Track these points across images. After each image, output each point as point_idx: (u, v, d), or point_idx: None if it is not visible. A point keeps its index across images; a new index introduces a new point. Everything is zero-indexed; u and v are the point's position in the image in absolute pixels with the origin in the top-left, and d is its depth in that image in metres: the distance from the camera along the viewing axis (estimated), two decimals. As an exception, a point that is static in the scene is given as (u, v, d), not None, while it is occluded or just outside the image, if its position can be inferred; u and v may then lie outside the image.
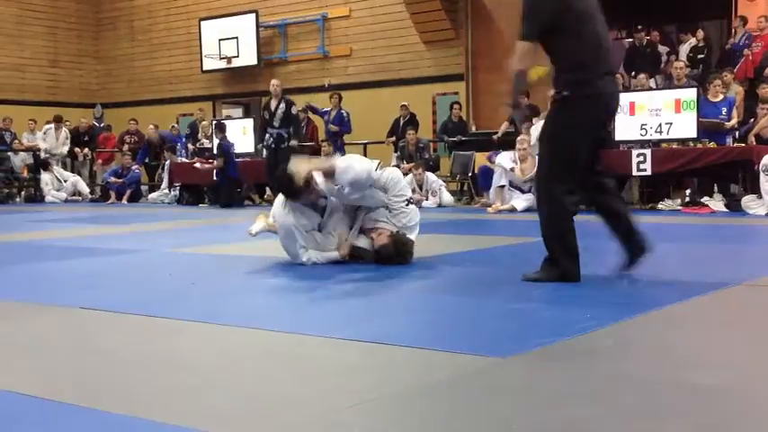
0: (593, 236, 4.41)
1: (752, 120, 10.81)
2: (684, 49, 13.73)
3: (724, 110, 10.63)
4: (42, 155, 16.31)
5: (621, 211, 4.33)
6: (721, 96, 10.74)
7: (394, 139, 14.37)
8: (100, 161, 17.48)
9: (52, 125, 16.65)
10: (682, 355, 2.65)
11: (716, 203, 9.70)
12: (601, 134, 4.35)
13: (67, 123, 17.38)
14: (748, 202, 9.15)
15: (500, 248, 5.61)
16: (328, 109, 14.20)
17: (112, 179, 15.72)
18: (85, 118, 17.97)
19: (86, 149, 17.21)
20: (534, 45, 4.26)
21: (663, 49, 14.52)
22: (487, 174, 11.55)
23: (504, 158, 10.70)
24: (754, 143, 9.86)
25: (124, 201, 15.26)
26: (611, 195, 4.37)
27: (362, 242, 5.15)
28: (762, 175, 8.84)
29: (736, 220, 8.35)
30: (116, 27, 20.34)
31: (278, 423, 2.05)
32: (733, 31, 13.47)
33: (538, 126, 11.36)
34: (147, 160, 16.07)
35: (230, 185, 13.03)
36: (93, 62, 20.70)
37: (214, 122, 14.02)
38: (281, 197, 5.29)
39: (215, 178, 13.58)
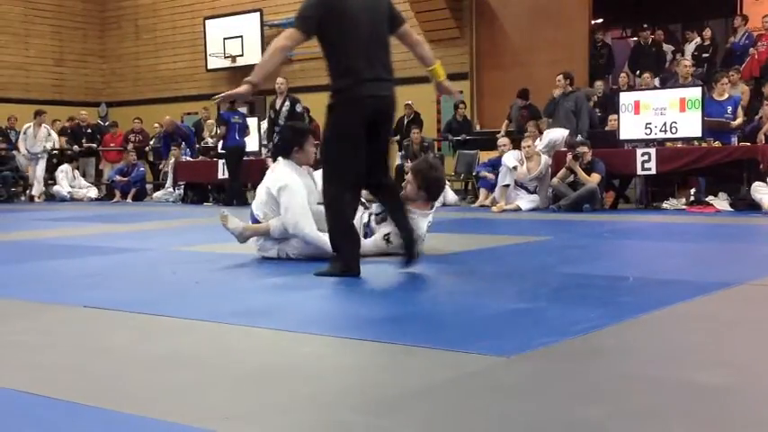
0: (595, 236, 4.42)
1: (757, 118, 10.79)
2: (690, 48, 13.71)
3: (729, 108, 10.61)
4: (22, 157, 15.92)
5: (401, 223, 4.63)
6: (727, 95, 10.72)
7: (398, 138, 14.38)
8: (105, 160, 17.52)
9: (32, 123, 15.86)
10: (687, 354, 2.65)
11: (720, 203, 9.69)
12: (377, 138, 4.53)
13: (57, 122, 17.27)
14: (757, 187, 9.14)
15: (504, 248, 5.61)
16: None
17: (118, 178, 15.75)
18: (85, 112, 17.87)
19: (82, 146, 16.96)
20: (302, 37, 4.58)
21: (668, 47, 14.51)
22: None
23: (509, 157, 10.70)
24: (763, 142, 9.83)
25: (129, 199, 15.29)
26: (394, 204, 4.71)
27: (386, 228, 5.13)
28: None
29: (741, 220, 8.33)
30: (121, 26, 20.38)
31: (283, 422, 2.05)
32: (735, 29, 13.46)
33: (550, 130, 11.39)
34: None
35: (236, 184, 13.03)
36: (98, 61, 20.74)
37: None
38: (281, 163, 5.33)
39: (220, 177, 13.59)
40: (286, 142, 5.55)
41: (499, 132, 12.82)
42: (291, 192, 5.12)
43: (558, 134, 11.12)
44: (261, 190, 5.38)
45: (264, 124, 13.25)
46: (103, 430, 2.02)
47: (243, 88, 4.54)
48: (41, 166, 15.96)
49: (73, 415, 2.12)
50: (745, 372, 2.43)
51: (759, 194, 8.99)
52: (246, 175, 13.10)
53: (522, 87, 13.29)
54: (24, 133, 15.89)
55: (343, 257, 4.46)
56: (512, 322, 3.20)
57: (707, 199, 9.84)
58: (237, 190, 13.02)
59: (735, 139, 10.60)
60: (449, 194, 12.08)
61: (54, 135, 16.47)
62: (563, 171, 10.20)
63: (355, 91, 4.41)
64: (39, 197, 15.72)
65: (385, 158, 4.75)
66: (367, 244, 5.14)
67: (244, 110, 14.57)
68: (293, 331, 3.06)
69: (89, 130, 17.41)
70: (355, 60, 4.43)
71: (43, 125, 15.95)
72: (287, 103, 12.59)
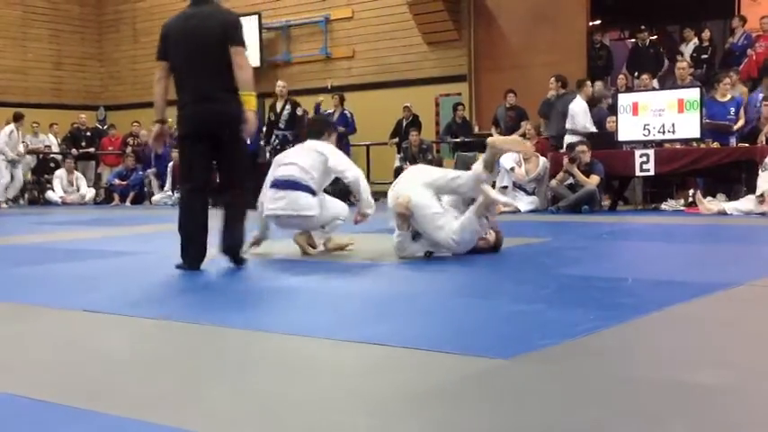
0: (594, 237, 4.42)
1: (757, 118, 10.79)
2: (688, 49, 13.71)
3: (732, 110, 10.60)
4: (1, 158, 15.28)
5: (229, 230, 5.12)
6: (729, 96, 10.71)
7: (397, 140, 14.38)
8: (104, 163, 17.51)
9: (12, 125, 15.18)
10: (686, 355, 2.65)
11: (719, 204, 9.69)
12: (219, 149, 5.12)
13: (55, 126, 17.13)
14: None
15: (503, 249, 5.61)
16: (331, 110, 14.19)
17: (116, 181, 15.74)
18: (84, 116, 17.81)
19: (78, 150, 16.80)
20: (161, 65, 5.28)
21: (666, 49, 14.49)
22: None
23: (506, 159, 10.72)
24: (764, 143, 9.82)
25: (128, 203, 15.28)
26: (229, 211, 5.19)
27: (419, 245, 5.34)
28: (762, 173, 8.80)
29: (739, 221, 8.33)
30: (119, 29, 20.37)
31: (283, 425, 2.05)
32: (732, 30, 13.46)
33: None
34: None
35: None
36: (96, 64, 20.73)
37: None
38: (316, 141, 5.92)
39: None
40: (322, 125, 6.33)
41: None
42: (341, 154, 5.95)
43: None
44: (305, 160, 5.73)
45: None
46: (102, 434, 2.02)
47: (155, 129, 5.40)
48: (19, 171, 15.57)
49: (70, 418, 2.11)
50: (745, 373, 2.43)
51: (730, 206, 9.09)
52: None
53: (508, 89, 13.29)
54: (9, 137, 15.18)
55: (181, 250, 5.07)
56: (511, 324, 3.20)
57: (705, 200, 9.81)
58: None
59: (733, 141, 10.61)
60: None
61: (49, 138, 16.41)
62: (561, 173, 10.20)
63: (181, 110, 5.18)
64: (5, 203, 15.08)
65: (229, 168, 5.20)
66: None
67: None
68: (292, 334, 3.06)
69: (88, 134, 17.40)
70: (180, 82, 5.20)
71: (12, 129, 15.22)
72: (287, 106, 12.59)
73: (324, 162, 5.73)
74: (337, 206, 5.84)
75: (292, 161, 5.79)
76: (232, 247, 5.09)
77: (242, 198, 5.21)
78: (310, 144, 5.91)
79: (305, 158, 5.77)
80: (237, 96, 4.99)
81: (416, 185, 5.27)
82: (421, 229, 5.25)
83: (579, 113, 11.27)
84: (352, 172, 5.74)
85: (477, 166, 5.31)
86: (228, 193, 5.19)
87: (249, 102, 5.01)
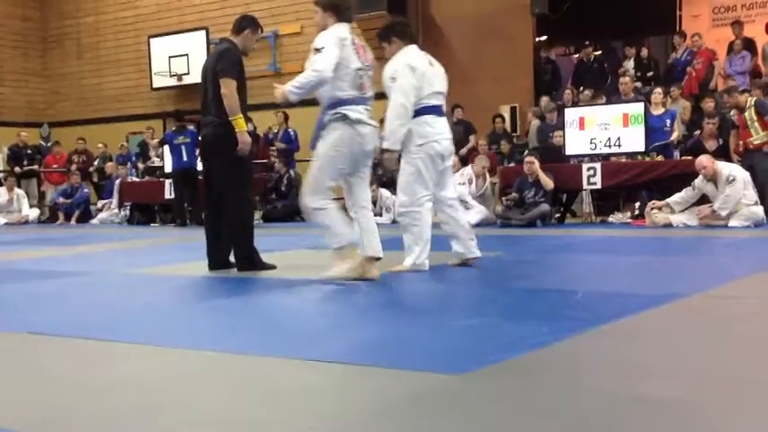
0: (544, 251, 4.46)
1: (697, 133, 11.04)
2: (630, 64, 14.00)
3: (668, 122, 10.86)
4: None
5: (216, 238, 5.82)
6: (662, 109, 10.96)
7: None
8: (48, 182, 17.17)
9: None
10: (638, 368, 2.67)
11: (666, 217, 9.86)
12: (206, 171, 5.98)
13: None
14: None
15: (453, 264, 5.63)
16: (276, 130, 14.53)
17: (61, 200, 15.44)
18: (26, 133, 17.47)
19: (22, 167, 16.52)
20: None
21: (609, 64, 14.77)
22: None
23: (458, 176, 10.82)
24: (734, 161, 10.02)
25: (73, 221, 15.00)
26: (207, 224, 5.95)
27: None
28: (727, 186, 8.98)
29: (684, 233, 8.50)
30: (63, 45, 20.05)
31: (235, 448, 2.01)
32: (675, 46, 13.78)
33: None
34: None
35: (184, 202, 12.84)
36: (39, 80, 20.35)
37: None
38: None
39: (167, 197, 13.41)
40: None
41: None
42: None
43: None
44: None
45: None
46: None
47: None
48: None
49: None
50: (697, 384, 2.46)
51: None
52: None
53: (455, 104, 13.38)
54: None
55: None
56: (463, 339, 3.20)
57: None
58: (182, 210, 12.86)
59: (677, 154, 10.84)
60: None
61: None
62: (505, 199, 10.38)
63: None
64: None
65: (210, 191, 5.79)
66: None
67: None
68: (245, 353, 3.02)
69: (29, 151, 17.06)
70: None
71: None
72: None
73: None
74: None
75: None
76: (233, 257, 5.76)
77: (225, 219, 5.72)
78: None
79: None
80: (223, 122, 5.56)
81: None
82: None
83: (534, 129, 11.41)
84: None
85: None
86: (206, 210, 5.96)
87: (238, 124, 5.52)
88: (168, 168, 13.19)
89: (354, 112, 4.88)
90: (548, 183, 10.18)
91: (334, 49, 4.80)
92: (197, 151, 12.93)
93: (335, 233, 4.91)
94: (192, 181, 12.31)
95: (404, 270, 5.31)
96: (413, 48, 5.46)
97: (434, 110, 5.39)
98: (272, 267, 5.59)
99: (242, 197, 5.70)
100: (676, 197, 9.39)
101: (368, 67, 5.01)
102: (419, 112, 5.30)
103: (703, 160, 9.18)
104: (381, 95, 5.37)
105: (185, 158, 12.72)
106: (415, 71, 5.27)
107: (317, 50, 4.83)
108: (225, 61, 5.60)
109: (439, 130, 5.40)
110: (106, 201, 15.29)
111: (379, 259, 5.00)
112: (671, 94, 11.92)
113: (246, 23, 5.84)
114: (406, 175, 5.38)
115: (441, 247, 5.66)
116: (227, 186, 5.63)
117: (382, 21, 14.88)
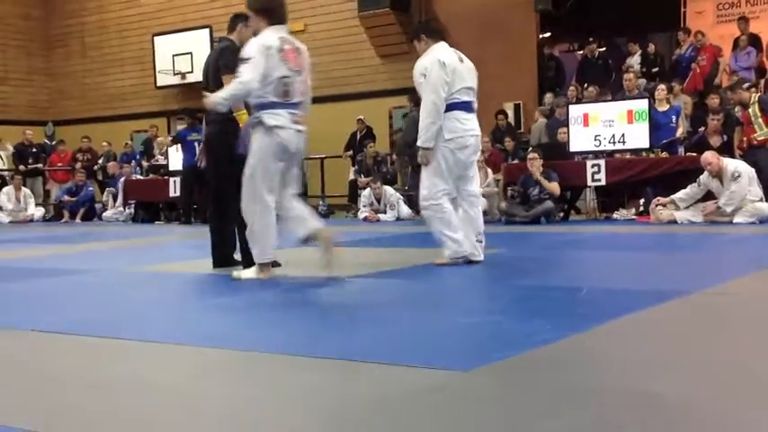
0: (549, 248, 4.46)
1: (701, 129, 11.01)
2: (635, 61, 13.96)
3: (674, 118, 10.82)
4: None
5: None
6: (667, 105, 10.93)
7: (351, 153, 14.38)
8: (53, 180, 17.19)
9: None
10: (643, 364, 2.66)
11: (670, 213, 9.84)
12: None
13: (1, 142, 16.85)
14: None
15: (456, 262, 5.63)
16: None
17: (66, 198, 15.46)
18: (31, 132, 17.48)
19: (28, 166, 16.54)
20: None
21: (614, 60, 14.73)
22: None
23: None
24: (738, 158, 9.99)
25: (78, 220, 15.01)
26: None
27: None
28: (733, 183, 8.96)
29: (689, 229, 8.48)
30: (67, 43, 20.06)
31: (239, 445, 2.01)
32: (679, 42, 13.75)
33: None
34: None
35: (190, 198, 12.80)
36: (43, 79, 20.37)
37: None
38: None
39: (171, 195, 13.41)
40: None
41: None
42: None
43: None
44: None
45: None
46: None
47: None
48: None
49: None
50: (701, 380, 2.45)
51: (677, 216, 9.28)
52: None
53: None
54: None
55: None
56: (468, 336, 3.20)
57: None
58: (189, 208, 12.85)
59: (681, 150, 10.80)
60: (403, 209, 12.11)
61: None
62: (510, 190, 10.35)
63: None
64: None
65: (214, 188, 5.90)
66: None
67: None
68: (245, 350, 3.02)
69: (34, 150, 17.09)
70: None
71: None
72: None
73: None
74: None
75: None
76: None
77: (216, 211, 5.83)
78: None
79: None
80: (226, 118, 5.44)
81: None
82: None
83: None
84: None
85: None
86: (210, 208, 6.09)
87: (242, 119, 5.39)
88: (179, 166, 13.13)
89: (272, 117, 4.89)
90: (554, 189, 10.13)
91: (260, 59, 4.83)
92: None
93: (262, 246, 5.01)
94: (204, 178, 12.30)
95: (443, 263, 5.37)
96: (442, 44, 5.52)
97: (465, 106, 5.43)
98: (277, 265, 5.59)
99: None
100: (681, 194, 9.36)
101: (298, 72, 5.00)
102: (450, 107, 5.34)
103: (708, 156, 9.16)
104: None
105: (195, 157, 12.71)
106: (445, 67, 5.30)
107: (244, 60, 4.85)
108: (226, 58, 5.63)
109: (468, 127, 5.43)
110: (111, 189, 15.30)
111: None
112: (672, 89, 11.89)
113: (237, 19, 5.96)
114: (428, 168, 5.39)
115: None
116: (232, 183, 5.63)
117: (386, 18, 15.00)
